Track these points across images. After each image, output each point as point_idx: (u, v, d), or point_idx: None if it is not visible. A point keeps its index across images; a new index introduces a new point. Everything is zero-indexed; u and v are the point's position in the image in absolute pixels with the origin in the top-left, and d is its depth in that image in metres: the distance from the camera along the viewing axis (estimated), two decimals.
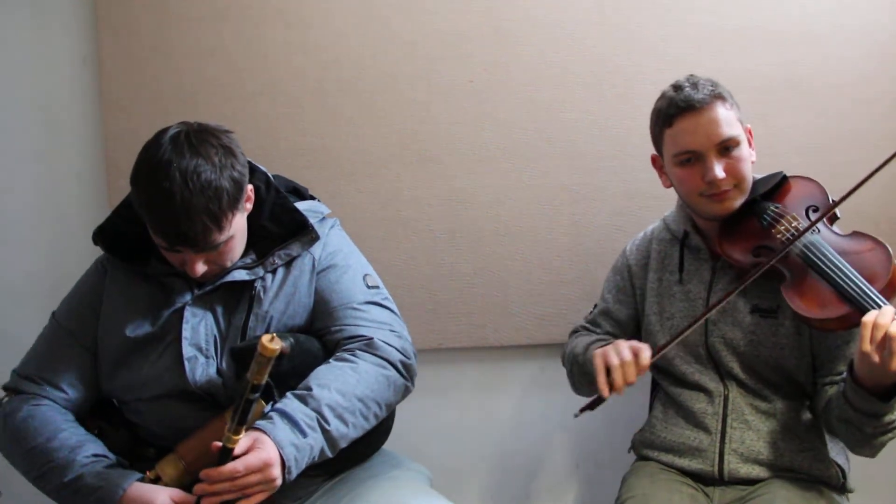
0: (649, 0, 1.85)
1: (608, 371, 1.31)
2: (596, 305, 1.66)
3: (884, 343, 1.15)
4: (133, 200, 1.29)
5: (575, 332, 1.67)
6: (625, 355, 1.31)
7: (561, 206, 1.89)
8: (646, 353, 1.32)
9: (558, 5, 1.85)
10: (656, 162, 1.52)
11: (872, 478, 1.67)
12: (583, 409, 1.33)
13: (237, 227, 1.30)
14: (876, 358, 1.17)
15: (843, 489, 1.42)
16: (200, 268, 1.28)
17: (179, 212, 1.21)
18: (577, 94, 1.87)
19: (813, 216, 1.38)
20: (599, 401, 1.32)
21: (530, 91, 1.87)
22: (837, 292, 1.27)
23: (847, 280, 1.26)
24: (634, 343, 1.35)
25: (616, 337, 1.60)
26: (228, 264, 1.33)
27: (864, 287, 1.24)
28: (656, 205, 1.80)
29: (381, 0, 1.85)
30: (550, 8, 1.85)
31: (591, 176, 1.88)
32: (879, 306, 1.21)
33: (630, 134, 1.86)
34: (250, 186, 1.35)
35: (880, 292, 1.24)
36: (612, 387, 1.30)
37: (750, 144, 1.44)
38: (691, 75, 1.44)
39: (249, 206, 1.36)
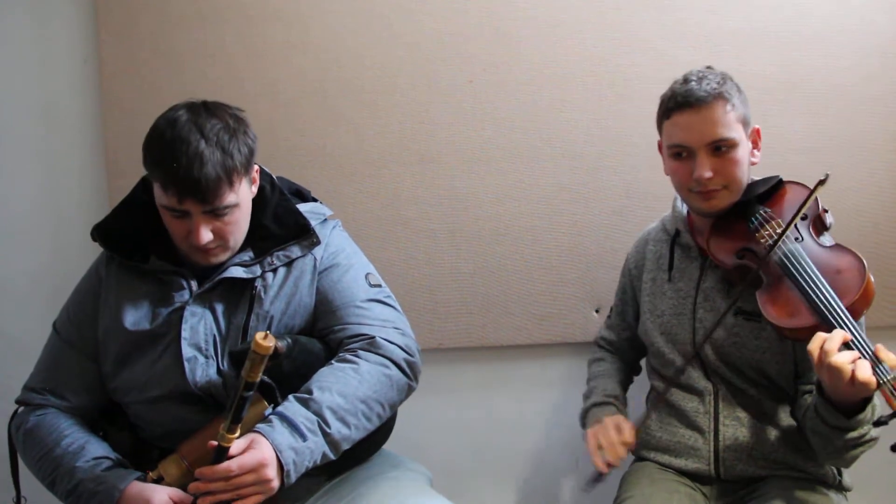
0: (649, 0, 1.85)
1: (601, 447, 1.44)
2: (612, 309, 1.73)
3: (830, 368, 1.16)
4: (146, 164, 1.29)
5: (597, 344, 1.75)
6: (611, 436, 1.44)
7: (561, 206, 1.89)
8: (627, 429, 1.44)
9: (558, 5, 1.86)
10: (661, 148, 1.53)
11: (871, 478, 1.68)
12: (588, 484, 1.43)
13: (244, 199, 1.31)
14: (826, 379, 1.18)
15: (839, 487, 1.43)
16: (206, 234, 1.27)
17: (194, 159, 1.23)
18: (577, 94, 1.87)
19: (801, 224, 1.38)
20: (600, 476, 1.42)
21: (530, 91, 1.87)
22: (808, 303, 1.27)
23: (818, 292, 1.26)
24: (618, 419, 1.47)
25: (631, 340, 1.68)
26: (231, 242, 1.33)
27: (832, 301, 1.24)
28: (656, 205, 1.80)
29: (381, 0, 1.85)
30: (550, 8, 1.86)
31: (591, 176, 1.89)
32: (843, 322, 1.21)
33: (630, 134, 1.86)
34: (257, 167, 1.37)
35: (851, 304, 1.24)
36: (607, 463, 1.41)
37: (756, 146, 1.44)
38: (708, 67, 1.44)
39: (255, 189, 1.37)
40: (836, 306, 1.23)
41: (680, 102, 1.39)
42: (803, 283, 1.28)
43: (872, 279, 1.27)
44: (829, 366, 1.15)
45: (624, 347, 1.69)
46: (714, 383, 1.46)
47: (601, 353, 1.72)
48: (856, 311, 1.24)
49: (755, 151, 1.45)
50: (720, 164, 1.38)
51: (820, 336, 1.19)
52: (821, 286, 1.27)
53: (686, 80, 1.42)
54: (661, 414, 1.53)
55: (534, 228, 1.90)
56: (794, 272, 1.30)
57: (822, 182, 1.31)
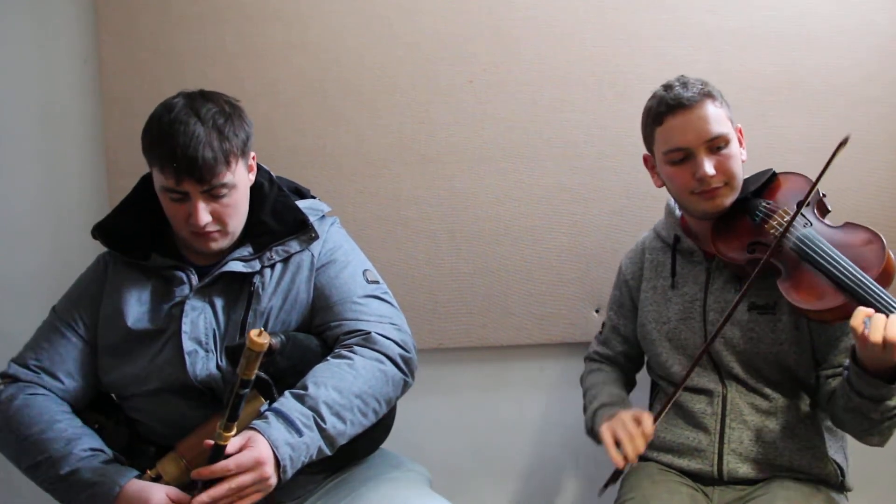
0: (649, 0, 1.85)
1: (618, 444, 1.35)
2: (604, 324, 1.70)
3: (885, 344, 1.15)
4: (144, 150, 1.32)
5: (590, 358, 1.70)
6: (629, 428, 1.34)
7: (561, 206, 1.89)
8: (647, 420, 1.34)
9: (558, 5, 1.86)
10: (648, 161, 1.53)
11: (872, 477, 1.68)
12: (606, 485, 1.36)
13: (241, 181, 1.33)
14: (877, 351, 1.17)
15: (841, 487, 1.43)
16: (204, 216, 1.29)
17: (190, 138, 1.26)
18: (577, 94, 1.87)
19: (806, 210, 1.39)
20: (618, 473, 1.35)
21: (530, 91, 1.87)
22: (834, 283, 1.27)
23: (843, 270, 1.27)
24: (636, 412, 1.38)
25: (627, 354, 1.65)
26: (231, 227, 1.34)
27: (859, 276, 1.25)
28: (655, 204, 1.79)
29: (381, 0, 1.85)
30: (550, 8, 1.86)
31: (591, 176, 1.88)
32: (875, 294, 1.22)
33: (630, 134, 1.85)
34: (254, 154, 1.39)
35: (877, 278, 1.25)
36: (625, 457, 1.33)
37: (741, 144, 1.45)
38: (682, 76, 1.45)
39: (252, 176, 1.40)
40: (863, 280, 1.24)
41: (672, 105, 1.40)
42: (824, 264, 1.29)
43: (892, 254, 1.27)
44: (886, 343, 1.14)
45: (620, 361, 1.66)
46: (725, 385, 1.45)
47: (595, 365, 1.68)
48: (882, 283, 1.25)
49: (741, 150, 1.46)
50: (719, 162, 1.40)
51: (862, 311, 1.19)
52: (843, 263, 1.27)
53: (668, 87, 1.43)
54: (666, 414, 1.52)
55: (534, 228, 1.90)
56: (813, 254, 1.31)
57: (843, 144, 1.26)
